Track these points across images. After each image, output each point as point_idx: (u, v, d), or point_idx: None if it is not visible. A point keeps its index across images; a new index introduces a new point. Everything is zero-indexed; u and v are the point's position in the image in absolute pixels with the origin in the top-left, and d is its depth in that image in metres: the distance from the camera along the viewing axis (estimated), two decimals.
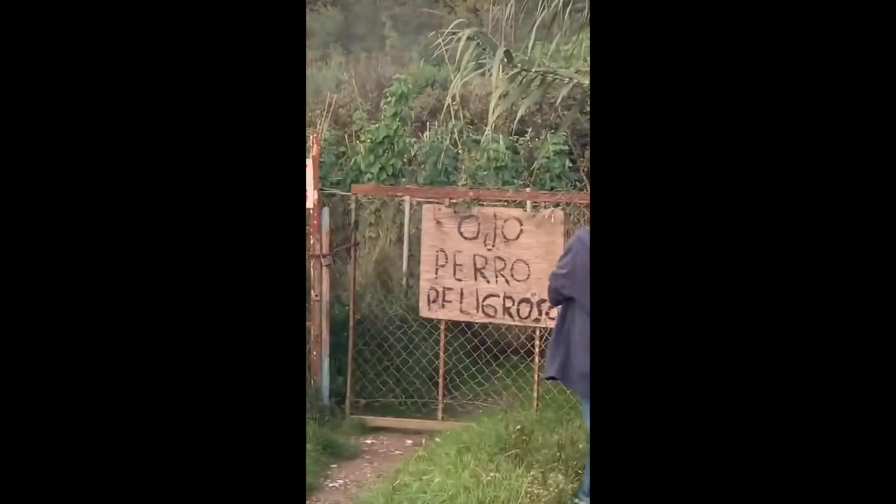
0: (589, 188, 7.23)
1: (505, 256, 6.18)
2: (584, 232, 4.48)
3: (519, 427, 5.31)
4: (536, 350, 6.17)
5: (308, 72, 20.38)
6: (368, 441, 6.14)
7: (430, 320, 6.52)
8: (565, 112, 9.35)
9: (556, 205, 6.20)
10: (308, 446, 5.49)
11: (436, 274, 6.29)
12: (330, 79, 15.67)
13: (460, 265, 6.24)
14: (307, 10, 29.86)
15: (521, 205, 6.29)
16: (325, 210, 6.39)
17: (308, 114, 10.72)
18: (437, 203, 6.36)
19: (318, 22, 28.52)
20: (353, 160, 8.17)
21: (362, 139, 8.08)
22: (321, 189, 6.42)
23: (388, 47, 19.07)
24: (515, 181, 8.16)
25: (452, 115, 9.12)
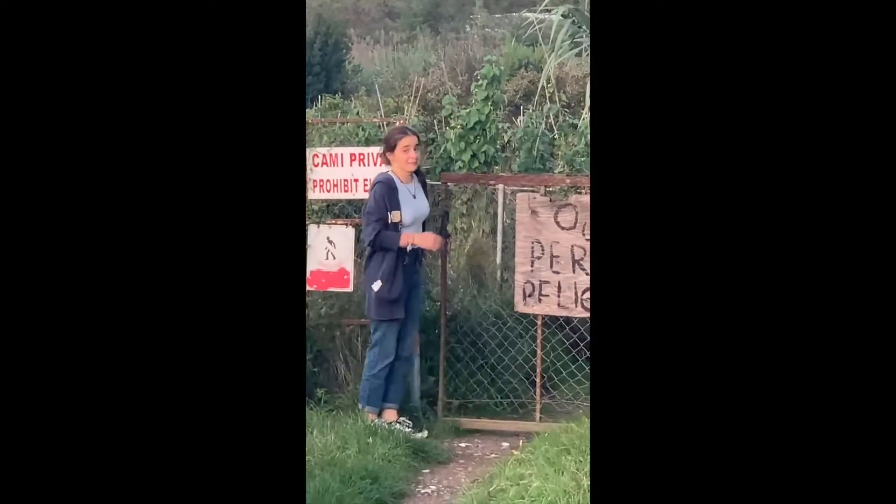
0: None
1: None
2: (377, 177, 6.00)
3: None
4: None
5: (394, 55, 20.56)
6: (462, 444, 6.16)
7: (526, 316, 6.48)
8: None
9: None
10: (398, 451, 5.56)
11: (531, 266, 6.25)
12: (417, 62, 15.78)
13: (557, 257, 6.19)
14: None
15: None
16: None
17: (395, 99, 10.79)
18: (533, 191, 6.32)
19: (404, 2, 28.70)
20: (442, 147, 8.20)
21: (452, 125, 8.09)
22: None
23: (478, 27, 19.07)
24: None
25: (547, 98, 9.08)
